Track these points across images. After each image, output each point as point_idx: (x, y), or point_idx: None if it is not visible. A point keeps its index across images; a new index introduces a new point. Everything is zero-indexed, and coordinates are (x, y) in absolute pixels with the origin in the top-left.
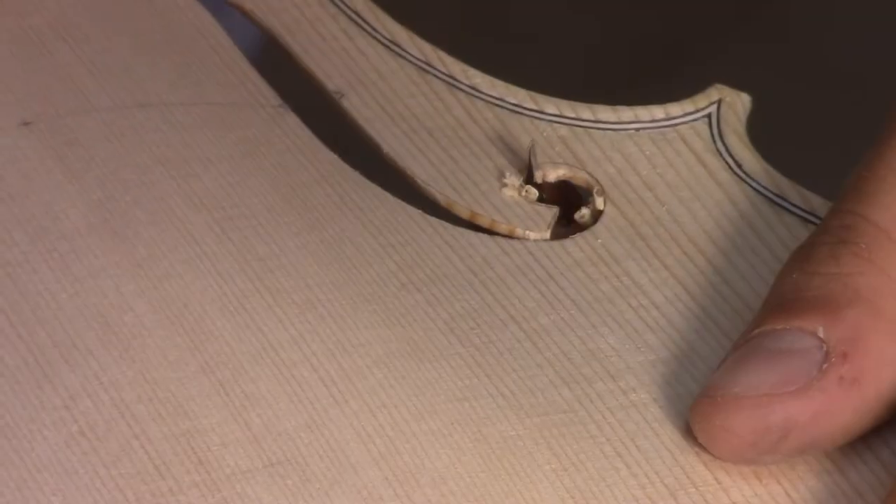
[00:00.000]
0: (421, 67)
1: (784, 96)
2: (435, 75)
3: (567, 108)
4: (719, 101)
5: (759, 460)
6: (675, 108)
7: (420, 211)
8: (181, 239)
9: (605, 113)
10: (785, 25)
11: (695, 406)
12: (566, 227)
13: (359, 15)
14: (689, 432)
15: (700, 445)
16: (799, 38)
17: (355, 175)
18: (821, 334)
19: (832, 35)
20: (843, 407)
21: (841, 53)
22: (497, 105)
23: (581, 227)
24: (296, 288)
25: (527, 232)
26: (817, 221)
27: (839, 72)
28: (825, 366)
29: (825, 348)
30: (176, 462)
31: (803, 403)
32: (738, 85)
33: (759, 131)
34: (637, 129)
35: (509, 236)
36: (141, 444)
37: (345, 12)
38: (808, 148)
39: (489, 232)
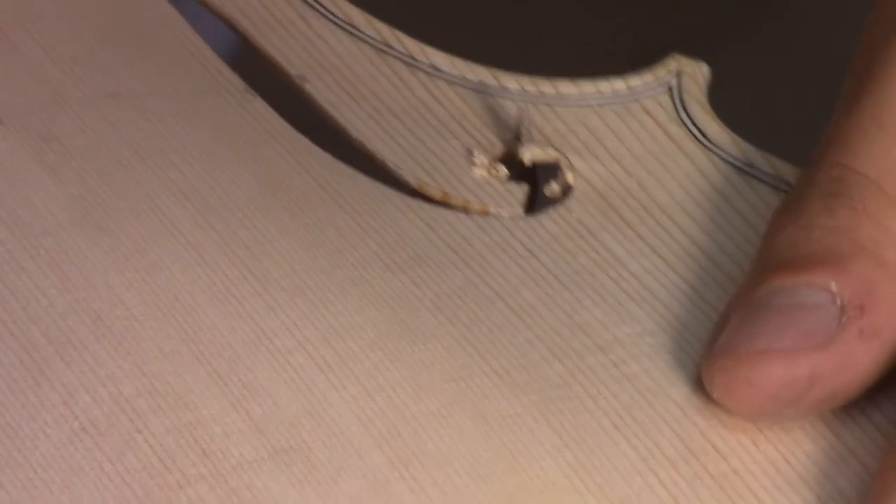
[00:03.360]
0: (379, 49)
1: (784, 95)
2: (394, 56)
3: (528, 83)
4: (679, 72)
5: (779, 414)
6: (635, 81)
7: (396, 192)
8: (164, 230)
9: (566, 87)
10: (785, 25)
11: (712, 362)
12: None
13: None
14: (683, 402)
15: (700, 413)
16: (800, 37)
17: (328, 158)
18: (833, 288)
19: (834, 33)
20: (865, 358)
21: (842, 51)
22: (458, 84)
23: (552, 203)
24: (283, 274)
25: (500, 210)
26: (786, 188)
27: (842, 69)
28: (843, 319)
29: (839, 302)
30: (180, 454)
31: (828, 356)
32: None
33: (761, 128)
34: (600, 104)
35: (484, 214)
36: (144, 438)
37: None
38: (810, 145)
39: (464, 212)
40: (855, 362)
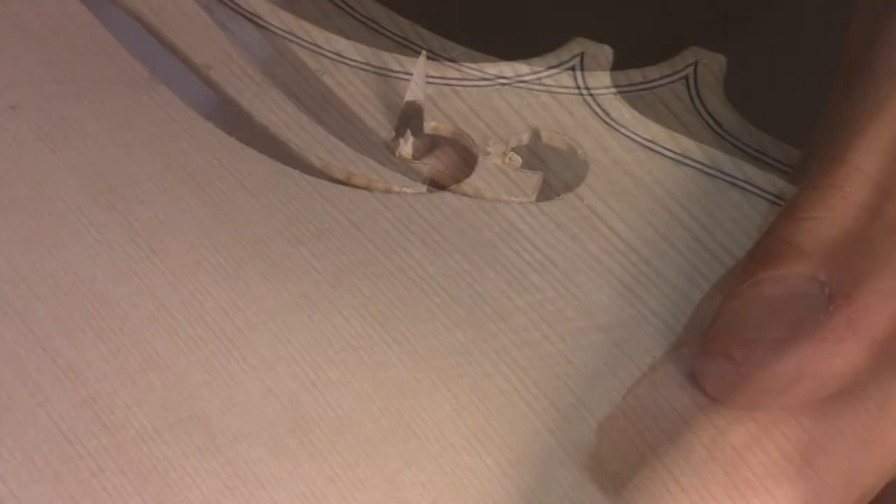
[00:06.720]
0: (284, 37)
1: (786, 95)
2: (300, 44)
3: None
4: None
5: (772, 404)
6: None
7: (298, 171)
8: (66, 211)
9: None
10: (785, 25)
11: (701, 353)
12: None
13: None
14: (587, 365)
15: (605, 370)
16: (800, 38)
17: (231, 141)
18: (821, 277)
19: (833, 35)
20: (853, 347)
21: (841, 53)
22: (363, 69)
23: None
24: (184, 251)
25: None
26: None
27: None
28: (831, 308)
29: (827, 291)
30: (82, 427)
31: (816, 346)
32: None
33: (762, 129)
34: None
35: (387, 192)
36: (46, 412)
37: None
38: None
39: (367, 190)
40: (843, 351)
